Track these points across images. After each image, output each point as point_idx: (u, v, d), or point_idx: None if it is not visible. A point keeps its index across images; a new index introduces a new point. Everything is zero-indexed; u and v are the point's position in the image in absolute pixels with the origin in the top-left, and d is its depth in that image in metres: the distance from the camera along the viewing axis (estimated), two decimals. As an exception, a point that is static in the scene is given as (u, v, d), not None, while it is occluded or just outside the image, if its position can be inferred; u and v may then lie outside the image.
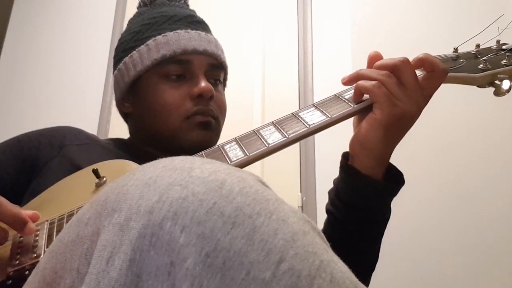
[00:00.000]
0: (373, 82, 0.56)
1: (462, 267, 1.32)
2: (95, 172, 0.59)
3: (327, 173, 1.51)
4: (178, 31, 0.75)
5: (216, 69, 0.77)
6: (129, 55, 0.76)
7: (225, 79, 0.83)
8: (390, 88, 0.55)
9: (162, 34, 0.74)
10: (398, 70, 0.57)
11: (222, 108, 0.77)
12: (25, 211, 0.51)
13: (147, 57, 0.74)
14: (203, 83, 0.72)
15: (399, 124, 0.57)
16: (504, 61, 0.62)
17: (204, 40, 0.76)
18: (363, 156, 0.59)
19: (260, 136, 0.57)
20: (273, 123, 0.59)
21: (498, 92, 0.61)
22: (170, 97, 0.72)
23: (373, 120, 0.56)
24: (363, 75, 0.58)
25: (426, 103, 0.59)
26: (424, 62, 0.58)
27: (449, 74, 0.62)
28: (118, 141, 0.82)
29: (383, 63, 0.58)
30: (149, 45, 0.74)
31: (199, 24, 0.79)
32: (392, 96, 0.55)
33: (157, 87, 0.73)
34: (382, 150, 0.58)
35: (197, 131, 0.71)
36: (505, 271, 1.29)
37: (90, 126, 1.67)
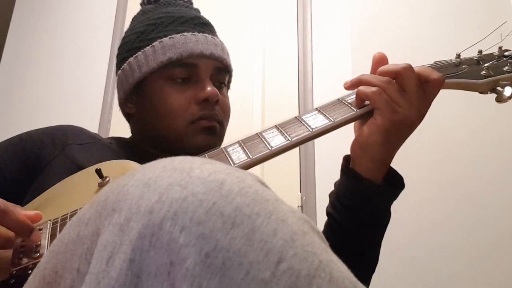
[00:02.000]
0: (374, 89, 0.56)
1: (461, 267, 1.32)
2: (98, 172, 0.59)
3: (327, 173, 1.52)
4: (185, 33, 0.74)
5: (221, 72, 0.76)
6: (134, 56, 0.75)
7: (229, 81, 0.82)
8: (390, 94, 0.56)
9: (169, 36, 0.73)
10: (401, 77, 0.57)
11: (226, 112, 0.76)
12: (28, 212, 0.51)
13: (153, 59, 0.73)
14: (209, 88, 0.71)
15: (399, 130, 0.57)
16: (506, 67, 0.62)
17: (210, 43, 0.75)
18: (363, 160, 0.59)
19: (263, 139, 0.57)
20: (276, 126, 0.59)
21: (500, 99, 0.61)
22: (175, 101, 0.71)
23: (374, 125, 0.57)
24: (365, 81, 0.58)
25: (427, 109, 0.59)
26: (418, 76, 0.58)
27: (451, 80, 0.62)
28: (120, 140, 0.82)
29: (386, 69, 0.59)
30: (155, 47, 0.73)
31: (206, 26, 0.78)
32: (393, 103, 0.56)
33: (162, 90, 0.72)
34: (382, 154, 0.58)
35: (201, 135, 0.71)
36: (504, 272, 1.29)
37: (91, 126, 1.67)
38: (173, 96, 0.71)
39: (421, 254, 1.36)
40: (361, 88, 0.58)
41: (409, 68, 0.57)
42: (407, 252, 1.36)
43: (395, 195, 0.62)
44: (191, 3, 0.84)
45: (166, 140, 0.72)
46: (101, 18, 1.96)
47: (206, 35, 0.76)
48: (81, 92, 1.84)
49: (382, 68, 0.59)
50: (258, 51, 1.81)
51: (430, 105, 0.59)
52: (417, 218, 1.40)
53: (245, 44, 1.82)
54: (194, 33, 0.74)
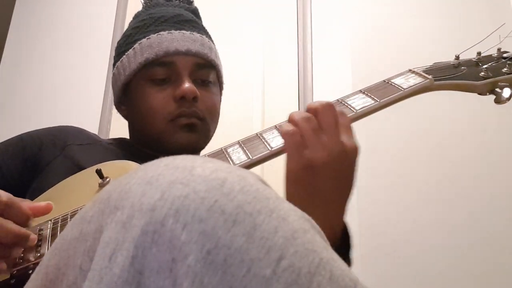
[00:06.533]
0: (290, 129, 0.52)
1: (458, 267, 1.32)
2: (99, 173, 0.59)
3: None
4: (161, 32, 0.74)
5: (203, 68, 0.75)
6: (120, 60, 0.77)
7: (219, 77, 0.81)
8: (304, 133, 0.51)
9: (147, 37, 0.74)
10: (318, 113, 0.52)
11: (211, 109, 0.75)
12: (38, 203, 0.52)
13: (133, 61, 0.74)
14: (186, 84, 0.71)
15: (309, 176, 0.50)
16: (505, 69, 0.63)
17: (187, 39, 0.74)
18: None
19: (263, 140, 0.58)
20: (276, 127, 0.59)
21: (499, 100, 0.61)
22: (154, 101, 0.72)
23: (286, 174, 0.52)
24: (290, 117, 0.54)
25: (345, 148, 0.51)
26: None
27: (450, 81, 0.62)
28: (120, 141, 0.82)
29: (309, 106, 0.54)
30: (135, 49, 0.74)
31: (186, 23, 0.77)
32: (302, 145, 0.50)
33: (143, 90, 0.73)
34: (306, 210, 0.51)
35: (181, 133, 0.71)
36: (501, 271, 1.30)
37: (91, 126, 1.67)
38: (152, 95, 0.72)
39: (420, 254, 1.36)
40: (282, 124, 0.53)
41: (326, 105, 0.52)
42: (406, 252, 1.36)
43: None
44: (188, 2, 0.84)
45: (151, 140, 0.73)
46: (101, 18, 1.96)
47: (184, 32, 0.75)
48: (81, 92, 1.85)
49: (308, 104, 0.54)
50: (258, 51, 1.81)
51: (351, 143, 0.52)
52: (415, 218, 1.40)
53: (245, 45, 1.82)
54: (170, 31, 0.74)
